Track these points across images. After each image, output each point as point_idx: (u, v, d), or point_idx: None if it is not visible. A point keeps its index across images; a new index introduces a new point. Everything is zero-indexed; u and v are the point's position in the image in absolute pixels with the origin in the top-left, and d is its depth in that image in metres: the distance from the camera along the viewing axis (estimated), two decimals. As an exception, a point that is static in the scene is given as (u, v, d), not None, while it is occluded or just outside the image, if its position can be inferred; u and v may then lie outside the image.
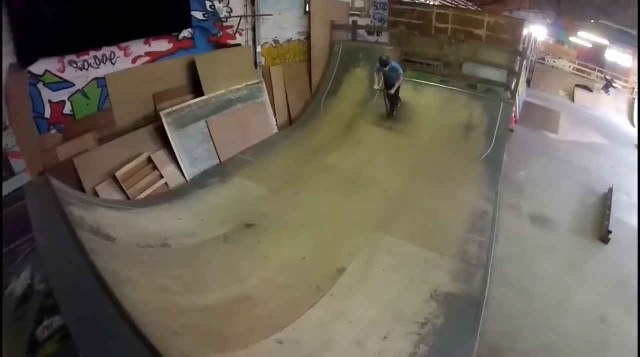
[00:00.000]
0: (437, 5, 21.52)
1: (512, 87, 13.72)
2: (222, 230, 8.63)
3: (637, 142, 13.92)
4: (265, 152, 12.31)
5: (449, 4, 25.03)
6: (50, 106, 9.57)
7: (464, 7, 26.59)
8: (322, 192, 10.12)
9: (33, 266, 5.68)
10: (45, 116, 9.54)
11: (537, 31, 23.94)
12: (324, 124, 13.88)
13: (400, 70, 13.16)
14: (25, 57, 8.99)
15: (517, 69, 14.11)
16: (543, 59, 29.65)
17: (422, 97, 13.69)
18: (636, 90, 26.20)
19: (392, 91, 13.17)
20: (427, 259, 7.78)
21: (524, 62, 14.74)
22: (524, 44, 16.38)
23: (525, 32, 16.63)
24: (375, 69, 13.39)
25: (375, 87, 13.58)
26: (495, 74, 14.42)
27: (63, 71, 9.65)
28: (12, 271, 5.73)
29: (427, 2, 23.37)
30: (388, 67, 12.88)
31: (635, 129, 21.80)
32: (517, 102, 14.19)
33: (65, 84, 9.72)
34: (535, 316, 7.27)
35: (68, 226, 6.37)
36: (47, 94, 9.46)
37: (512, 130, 13.47)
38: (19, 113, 8.77)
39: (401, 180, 10.53)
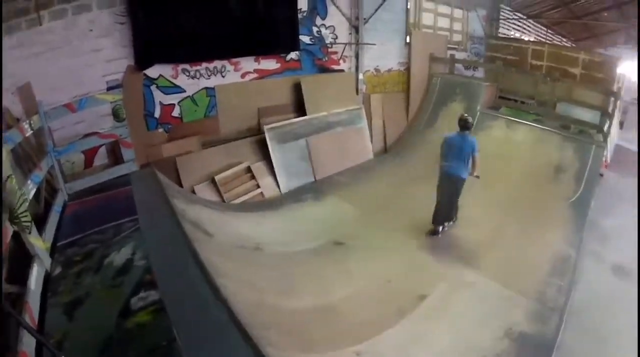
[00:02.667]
0: (533, 41, 21.29)
1: (605, 129, 13.21)
2: (313, 244, 8.79)
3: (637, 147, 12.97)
4: (360, 176, 12.48)
5: (545, 40, 24.76)
6: (161, 107, 10.30)
7: (559, 43, 26.25)
8: (413, 221, 10.04)
9: (135, 243, 6.03)
10: (155, 115, 10.29)
11: (632, 69, 22.76)
12: (418, 155, 13.76)
13: (477, 147, 9.07)
14: (143, 61, 9.77)
15: (610, 110, 13.54)
16: (638, 99, 28.48)
17: (515, 135, 13.40)
18: None
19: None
20: (507, 297, 7.67)
21: (618, 103, 14.14)
22: (618, 83, 15.65)
23: (620, 70, 15.94)
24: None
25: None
26: (588, 115, 14.05)
27: (176, 77, 10.39)
28: (114, 244, 6.13)
29: (523, 37, 23.24)
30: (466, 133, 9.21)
31: None
32: (608, 145, 13.69)
33: (177, 89, 10.47)
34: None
35: (173, 215, 6.81)
36: (159, 96, 10.24)
37: (602, 175, 12.82)
38: (133, 109, 9.61)
39: (490, 216, 10.35)
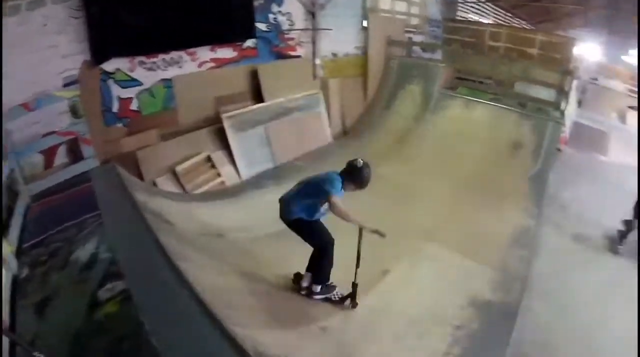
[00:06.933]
0: (491, 24, 21.60)
1: (562, 107, 13.39)
2: (275, 228, 8.61)
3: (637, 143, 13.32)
4: (319, 160, 12.29)
5: (503, 23, 25.02)
6: (119, 101, 10.26)
7: (517, 25, 26.51)
8: (373, 200, 9.70)
9: (99, 237, 6.15)
10: (114, 110, 10.26)
11: (590, 50, 23.50)
12: (377, 136, 13.93)
13: (332, 190, 6.23)
14: (99, 56, 9.69)
15: (567, 88, 13.67)
16: (596, 79, 28.84)
17: (473, 113, 13.67)
18: None
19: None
20: (469, 268, 7.89)
21: (575, 82, 14.46)
22: (575, 63, 16.25)
23: (576, 51, 16.43)
24: None
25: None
26: (546, 94, 14.11)
27: (133, 70, 10.36)
28: (79, 241, 6.25)
29: (482, 20, 23.44)
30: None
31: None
32: (567, 122, 13.96)
33: (134, 82, 10.43)
34: (570, 331, 7.10)
35: (134, 206, 6.94)
36: (116, 90, 10.19)
37: (559, 150, 13.12)
38: (91, 105, 9.57)
39: (450, 193, 10.61)
